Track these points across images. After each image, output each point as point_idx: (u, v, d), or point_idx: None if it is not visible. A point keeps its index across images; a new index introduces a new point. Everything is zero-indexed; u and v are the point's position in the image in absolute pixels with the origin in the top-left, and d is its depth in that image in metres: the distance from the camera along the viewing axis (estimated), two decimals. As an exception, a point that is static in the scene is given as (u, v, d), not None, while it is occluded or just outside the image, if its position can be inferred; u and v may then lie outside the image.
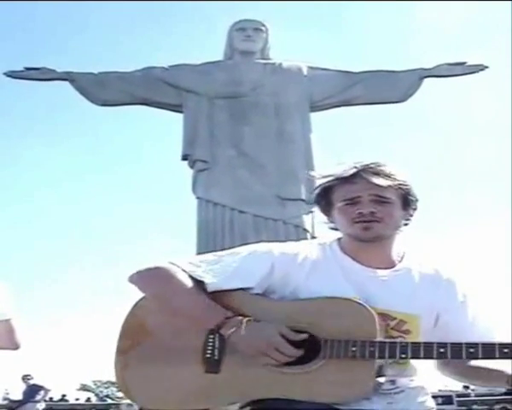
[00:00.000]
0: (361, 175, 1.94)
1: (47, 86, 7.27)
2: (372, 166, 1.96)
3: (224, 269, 1.96)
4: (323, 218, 2.11)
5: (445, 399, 16.65)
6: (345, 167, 1.97)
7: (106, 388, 42.56)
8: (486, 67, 7.11)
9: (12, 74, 7.08)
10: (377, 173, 1.94)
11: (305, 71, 7.26)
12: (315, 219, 6.58)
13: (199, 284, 1.94)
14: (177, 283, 1.94)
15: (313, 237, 6.19)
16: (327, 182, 2.00)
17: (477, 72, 7.10)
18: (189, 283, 1.94)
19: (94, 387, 42.67)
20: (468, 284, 2.05)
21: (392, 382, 1.87)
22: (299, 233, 6.35)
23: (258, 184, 6.61)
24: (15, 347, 3.18)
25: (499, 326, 2.00)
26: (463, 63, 7.14)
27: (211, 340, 1.85)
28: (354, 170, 1.95)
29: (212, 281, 1.94)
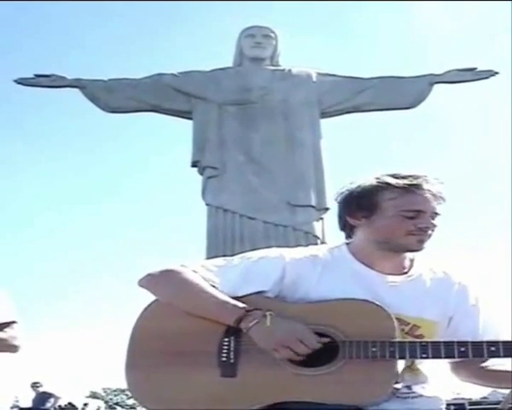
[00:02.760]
0: (425, 189, 1.91)
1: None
2: (432, 180, 1.93)
3: (237, 274, 1.95)
4: (338, 219, 2.07)
5: (457, 407, 16.50)
6: (405, 175, 1.93)
7: (115, 395, 42.60)
8: (497, 73, 7.08)
9: (22, 81, 7.11)
10: (436, 189, 1.93)
11: (314, 77, 7.25)
12: (325, 226, 6.58)
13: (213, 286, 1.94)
14: (192, 283, 1.93)
15: (323, 243, 6.17)
16: (382, 184, 1.95)
17: (487, 77, 7.07)
18: (204, 283, 1.93)
19: (104, 394, 42.69)
20: (479, 288, 2.05)
21: (408, 387, 1.86)
22: (309, 240, 6.32)
23: (268, 190, 6.60)
24: (15, 350, 3.18)
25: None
26: (473, 69, 7.11)
27: (226, 343, 1.84)
28: (419, 181, 1.92)
29: (226, 287, 1.93)
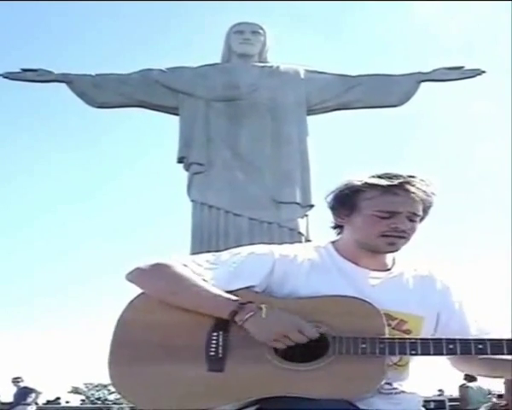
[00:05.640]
0: (405, 189, 1.92)
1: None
2: (413, 180, 1.93)
3: (227, 270, 1.96)
4: (324, 218, 2.12)
5: (437, 403, 16.65)
6: (385, 176, 1.93)
7: (97, 390, 42.43)
8: (483, 72, 7.09)
9: (9, 76, 7.04)
10: (417, 189, 1.92)
11: (302, 74, 7.23)
12: (309, 223, 6.59)
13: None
14: (183, 277, 1.92)
15: (308, 241, 6.19)
16: (362, 184, 1.96)
17: (474, 76, 7.09)
18: (195, 277, 1.93)
19: (85, 390, 42.50)
20: (462, 284, 2.09)
21: (389, 384, 1.88)
22: (294, 236, 6.34)
23: (254, 186, 6.60)
24: None
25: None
26: (461, 68, 7.13)
27: (214, 337, 1.84)
28: (399, 181, 1.92)
29: (216, 282, 1.92)
